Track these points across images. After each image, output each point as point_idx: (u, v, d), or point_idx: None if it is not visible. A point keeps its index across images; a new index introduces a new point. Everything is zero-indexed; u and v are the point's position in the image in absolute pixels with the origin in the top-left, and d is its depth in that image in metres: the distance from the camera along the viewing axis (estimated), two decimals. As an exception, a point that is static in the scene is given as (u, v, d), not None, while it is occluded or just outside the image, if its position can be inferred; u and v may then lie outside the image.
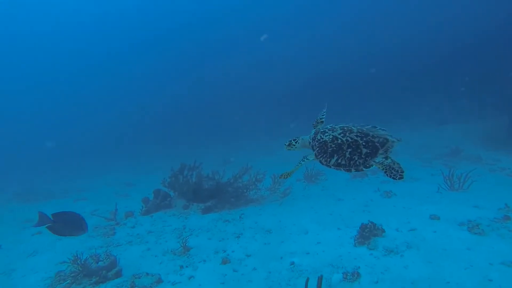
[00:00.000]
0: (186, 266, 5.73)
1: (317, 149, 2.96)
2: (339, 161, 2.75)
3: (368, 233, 5.93)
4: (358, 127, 2.85)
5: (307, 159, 3.18)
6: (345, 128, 2.87)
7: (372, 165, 2.69)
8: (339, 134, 2.82)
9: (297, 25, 37.89)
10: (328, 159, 2.82)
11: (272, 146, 22.18)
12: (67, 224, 4.44)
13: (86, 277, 5.43)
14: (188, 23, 40.80)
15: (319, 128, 3.15)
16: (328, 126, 3.05)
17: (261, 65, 39.68)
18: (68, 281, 5.38)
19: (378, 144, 2.66)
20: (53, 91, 48.15)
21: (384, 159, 2.65)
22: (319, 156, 2.94)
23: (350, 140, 2.74)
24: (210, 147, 27.75)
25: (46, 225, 4.44)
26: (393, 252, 5.40)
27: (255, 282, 5.03)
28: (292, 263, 5.44)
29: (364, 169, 2.68)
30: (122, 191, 14.98)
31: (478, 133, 17.91)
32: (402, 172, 2.60)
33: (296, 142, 3.34)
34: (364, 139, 2.70)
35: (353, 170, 2.70)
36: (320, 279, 3.46)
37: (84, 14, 41.00)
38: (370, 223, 6.03)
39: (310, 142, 3.14)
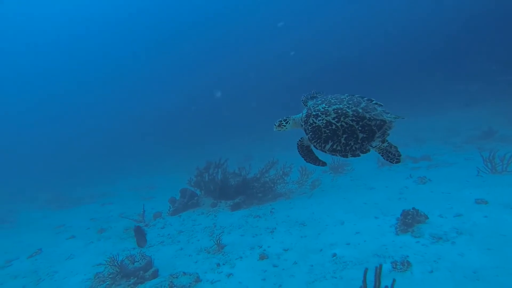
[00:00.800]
0: (223, 264, 5.57)
1: (310, 133, 2.81)
2: (334, 146, 2.64)
3: (411, 220, 5.60)
4: (353, 109, 2.65)
5: (303, 145, 3.02)
6: (339, 111, 2.66)
7: (369, 150, 2.58)
8: (333, 119, 2.65)
9: (314, 8, 36.92)
10: (323, 145, 2.70)
11: (289, 140, 21.90)
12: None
13: (124, 278, 5.37)
14: (201, 20, 40.43)
15: (310, 109, 2.90)
16: (321, 108, 2.79)
17: (272, 60, 39.29)
18: (107, 282, 5.34)
19: (375, 128, 2.53)
20: (69, 98, 49.31)
21: (381, 143, 2.57)
22: (313, 141, 2.80)
23: (345, 125, 2.59)
24: (227, 144, 27.74)
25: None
26: (442, 239, 5.05)
27: (298, 276, 4.82)
28: (334, 255, 5.19)
29: (361, 154, 2.57)
30: (146, 194, 15.09)
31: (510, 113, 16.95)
32: (399, 155, 2.60)
33: (286, 123, 3.17)
34: (360, 123, 2.56)
35: (349, 155, 2.60)
36: (379, 268, 3.19)
37: (101, 16, 41.42)
38: (412, 210, 5.70)
39: (302, 125, 2.96)
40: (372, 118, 2.56)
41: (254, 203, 9.22)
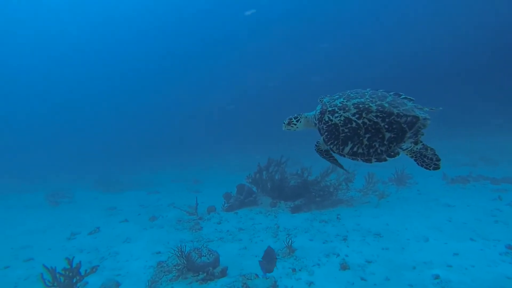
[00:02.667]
0: (299, 270, 4.98)
1: (326, 133, 2.39)
2: (355, 149, 2.24)
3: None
4: (378, 102, 2.25)
5: (321, 149, 2.59)
6: (361, 106, 2.25)
7: (398, 153, 2.15)
8: (353, 115, 2.24)
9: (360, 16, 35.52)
10: (341, 147, 2.29)
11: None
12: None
13: (190, 271, 4.95)
14: (269, 16, 40.10)
15: (326, 105, 2.47)
16: (338, 102, 2.39)
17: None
18: (173, 273, 4.95)
19: (405, 126, 2.10)
20: (122, 93, 51.70)
21: (413, 144, 2.15)
22: (329, 143, 2.38)
23: (368, 122, 2.18)
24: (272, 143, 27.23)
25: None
26: None
27: (397, 297, 4.09)
28: (437, 276, 4.38)
29: (388, 158, 2.16)
30: (192, 187, 14.95)
31: None
32: (438, 160, 2.16)
33: (297, 121, 2.75)
34: (387, 120, 2.14)
35: (373, 160, 2.19)
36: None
37: (168, 14, 42.75)
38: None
39: (316, 123, 2.54)
40: (401, 114, 2.12)
41: (312, 207, 8.56)
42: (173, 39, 43.37)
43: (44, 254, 6.88)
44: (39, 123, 47.09)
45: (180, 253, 4.94)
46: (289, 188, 8.95)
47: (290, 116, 2.77)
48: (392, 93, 2.42)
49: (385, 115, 2.15)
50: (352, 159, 2.27)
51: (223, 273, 4.90)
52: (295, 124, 2.74)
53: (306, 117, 2.72)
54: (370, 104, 2.24)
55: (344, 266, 4.89)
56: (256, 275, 4.77)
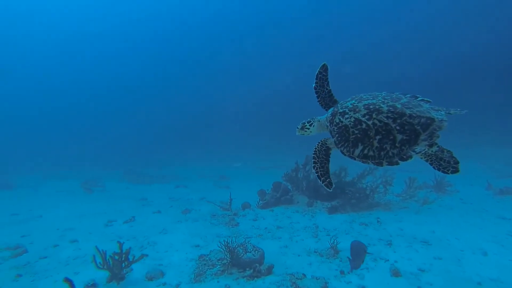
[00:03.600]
0: (348, 273, 4.76)
1: (337, 135, 2.34)
2: (366, 151, 2.16)
3: None
4: (390, 103, 2.15)
5: (325, 144, 2.53)
6: (372, 106, 2.18)
7: (411, 156, 2.05)
8: (363, 116, 2.17)
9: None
10: (351, 149, 2.23)
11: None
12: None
13: (234, 267, 4.84)
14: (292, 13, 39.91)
15: (337, 106, 2.44)
16: (349, 104, 2.33)
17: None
18: (218, 267, 4.85)
19: (418, 127, 2.01)
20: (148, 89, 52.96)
21: (427, 148, 2.03)
22: (339, 145, 2.33)
23: (378, 123, 2.10)
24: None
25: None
26: None
27: (462, 310, 3.81)
28: (507, 293, 4.05)
29: (400, 161, 2.06)
30: (220, 183, 14.95)
31: None
32: (457, 163, 2.00)
33: (310, 125, 2.70)
34: (398, 121, 2.05)
35: (385, 163, 2.10)
36: None
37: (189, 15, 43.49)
38: None
39: (327, 126, 2.50)
40: (414, 115, 2.03)
41: (348, 209, 8.29)
42: (202, 35, 43.87)
43: (86, 237, 7.02)
44: (74, 117, 49.17)
45: (226, 247, 4.82)
46: (323, 188, 8.71)
47: (303, 121, 2.73)
48: (408, 95, 2.31)
49: (396, 116, 2.06)
50: (363, 162, 2.20)
51: (269, 270, 4.76)
52: (308, 128, 2.69)
53: (319, 121, 2.66)
54: (381, 105, 2.15)
55: (395, 273, 4.63)
56: (304, 274, 4.61)
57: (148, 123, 47.91)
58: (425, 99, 2.26)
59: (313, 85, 2.63)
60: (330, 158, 2.54)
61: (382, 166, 2.13)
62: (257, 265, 4.71)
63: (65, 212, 9.49)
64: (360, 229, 6.75)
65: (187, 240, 6.55)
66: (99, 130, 44.97)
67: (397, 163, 2.07)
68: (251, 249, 4.97)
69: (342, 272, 4.77)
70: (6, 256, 5.91)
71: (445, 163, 2.03)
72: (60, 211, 9.59)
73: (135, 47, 47.49)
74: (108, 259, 4.60)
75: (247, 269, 4.70)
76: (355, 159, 2.26)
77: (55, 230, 7.63)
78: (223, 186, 14.05)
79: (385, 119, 2.08)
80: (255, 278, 4.58)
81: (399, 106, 2.12)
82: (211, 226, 7.52)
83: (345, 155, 2.30)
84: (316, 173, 2.49)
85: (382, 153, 2.10)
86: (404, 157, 2.05)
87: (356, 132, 2.18)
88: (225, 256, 4.91)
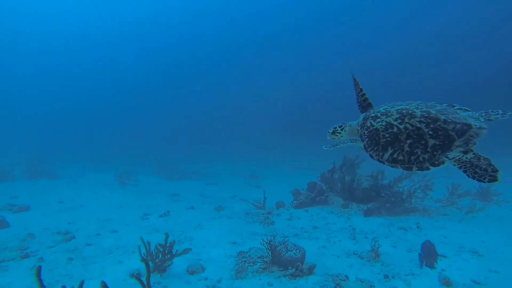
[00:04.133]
0: (392, 277, 4.61)
1: (367, 139, 2.32)
2: (395, 155, 2.12)
3: None
4: (424, 109, 2.11)
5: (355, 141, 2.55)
6: (404, 111, 2.15)
7: (443, 162, 1.96)
8: (395, 120, 2.15)
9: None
10: (381, 153, 2.19)
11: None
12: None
13: (275, 265, 4.82)
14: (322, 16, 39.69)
15: (369, 111, 2.46)
16: (382, 109, 2.34)
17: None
18: (259, 265, 4.85)
19: (453, 133, 1.95)
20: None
21: (462, 154, 1.94)
22: (369, 149, 2.29)
23: (410, 127, 2.07)
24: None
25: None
26: None
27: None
28: None
29: (431, 167, 1.98)
30: (251, 182, 15.00)
31: None
32: (496, 171, 1.84)
33: (342, 130, 2.71)
34: (432, 126, 2.00)
35: (415, 168, 2.04)
36: None
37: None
38: None
39: (358, 130, 2.51)
40: (449, 121, 1.98)
41: (383, 212, 8.05)
42: (237, 34, 44.26)
43: (124, 228, 7.27)
44: (109, 114, 51.55)
45: (268, 245, 4.81)
46: (360, 191, 8.53)
47: (335, 125, 2.73)
48: (444, 104, 2.27)
49: (430, 120, 2.02)
50: (392, 166, 2.15)
51: (311, 270, 4.70)
52: (340, 133, 2.69)
53: (351, 126, 2.66)
54: (415, 110, 2.12)
55: (446, 282, 4.42)
56: (346, 276, 4.52)
57: (180, 121, 49.12)
58: (463, 107, 2.21)
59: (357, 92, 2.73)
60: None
61: (411, 171, 2.07)
62: (299, 264, 4.66)
63: (103, 203, 9.87)
64: (399, 234, 6.53)
65: (223, 236, 6.60)
66: (135, 126, 46.74)
67: (428, 169, 2.00)
68: (292, 248, 4.93)
69: (386, 276, 4.62)
70: (58, 240, 6.28)
71: (481, 171, 1.91)
72: (98, 202, 10.00)
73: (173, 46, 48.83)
74: (153, 250, 4.73)
75: (289, 267, 4.66)
76: (384, 163, 2.21)
77: (96, 219, 7.95)
78: (253, 185, 14.09)
79: (418, 123, 2.04)
80: (297, 277, 4.53)
81: (433, 112, 2.08)
82: (246, 224, 7.55)
83: (373, 159, 2.27)
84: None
85: (412, 157, 2.04)
86: (436, 162, 1.98)
87: (387, 135, 2.15)
88: (267, 254, 4.90)
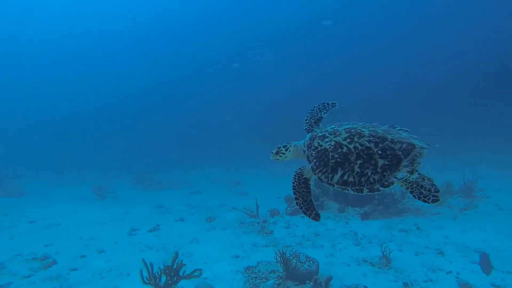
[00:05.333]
0: (411, 285, 4.47)
1: (315, 160, 2.22)
2: (346, 177, 2.04)
3: None
4: (371, 129, 2.13)
5: (302, 176, 2.39)
6: (353, 130, 2.14)
7: (393, 183, 1.96)
8: (344, 139, 2.11)
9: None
10: (330, 175, 2.11)
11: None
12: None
13: (289, 279, 4.52)
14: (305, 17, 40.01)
15: (316, 131, 2.42)
16: (329, 128, 2.31)
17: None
18: (272, 280, 4.52)
19: (400, 153, 1.96)
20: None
21: (408, 174, 1.94)
22: (317, 171, 2.19)
23: (360, 147, 2.03)
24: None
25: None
26: None
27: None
28: None
29: (381, 188, 1.97)
30: (236, 189, 14.57)
31: None
32: (437, 191, 1.94)
33: (286, 150, 2.63)
34: (380, 145, 1.99)
35: (365, 190, 2.00)
36: None
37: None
38: None
39: (305, 151, 2.43)
40: (396, 141, 1.99)
41: (377, 214, 8.01)
42: (213, 39, 43.67)
43: (112, 246, 6.68)
44: (77, 121, 48.52)
45: (281, 258, 4.50)
46: (353, 194, 8.45)
47: (279, 145, 2.65)
48: (387, 125, 2.28)
49: (378, 140, 2.00)
50: (342, 189, 2.08)
51: (327, 283, 4.45)
52: (284, 153, 2.61)
53: (296, 146, 2.58)
54: (363, 129, 2.11)
55: (466, 286, 4.33)
56: (365, 287, 4.30)
57: (152, 128, 47.37)
58: (404, 128, 2.21)
59: (313, 107, 2.77)
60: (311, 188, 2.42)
61: (362, 193, 2.02)
62: (317, 277, 4.39)
63: (83, 219, 9.08)
64: (401, 236, 6.46)
65: (224, 249, 6.21)
66: (102, 135, 44.38)
67: (378, 190, 1.96)
68: (305, 260, 4.65)
69: (405, 284, 4.47)
70: (35, 267, 5.55)
71: (426, 191, 1.94)
72: (77, 219, 9.18)
73: (145, 49, 47.03)
74: (156, 273, 4.26)
75: (306, 281, 4.38)
76: (333, 186, 2.14)
77: (78, 239, 7.24)
78: (239, 192, 13.69)
79: (367, 143, 2.00)
80: (317, 292, 4.26)
81: (380, 131, 2.07)
82: (243, 234, 7.19)
83: (323, 181, 2.16)
84: (300, 208, 2.33)
85: (363, 179, 1.98)
86: (386, 183, 1.95)
87: (336, 156, 2.06)
88: (279, 268, 4.59)
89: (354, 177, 2.00)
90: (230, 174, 19.12)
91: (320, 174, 2.16)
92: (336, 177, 2.06)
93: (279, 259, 4.52)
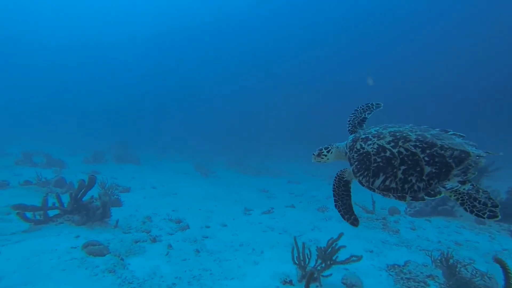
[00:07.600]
0: None
1: (356, 163, 2.08)
2: (387, 183, 1.86)
3: None
4: (418, 132, 1.92)
5: (342, 178, 2.26)
6: (398, 134, 1.95)
7: (440, 193, 1.71)
8: (388, 143, 1.93)
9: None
10: (371, 179, 1.94)
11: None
12: None
13: (452, 289, 3.87)
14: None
15: (359, 132, 2.26)
16: (373, 130, 2.14)
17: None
18: (434, 287, 3.95)
19: (451, 161, 1.73)
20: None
21: (459, 184, 1.69)
22: (358, 174, 2.04)
23: (404, 152, 1.84)
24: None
25: None
26: None
27: None
28: None
29: (426, 197, 1.75)
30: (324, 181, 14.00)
31: None
32: (496, 206, 1.62)
33: (328, 152, 2.47)
34: (428, 151, 1.79)
35: (408, 197, 1.81)
36: None
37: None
38: None
39: (346, 153, 2.27)
40: (446, 147, 1.78)
41: None
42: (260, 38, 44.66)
43: (233, 223, 6.84)
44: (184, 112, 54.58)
45: (446, 262, 3.90)
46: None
47: (321, 147, 2.53)
48: (438, 129, 2.06)
49: (426, 145, 1.82)
50: (383, 195, 1.92)
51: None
52: (326, 155, 2.49)
53: (338, 148, 2.47)
54: (409, 133, 1.94)
55: None
56: None
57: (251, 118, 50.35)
58: (458, 133, 2.01)
59: (357, 107, 2.65)
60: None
61: (405, 201, 1.85)
62: (489, 292, 3.67)
63: (195, 192, 9.70)
64: None
65: (352, 243, 5.74)
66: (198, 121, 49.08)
67: (422, 199, 1.79)
68: (476, 273, 3.94)
69: None
70: (174, 227, 6.02)
71: (480, 205, 1.66)
72: (189, 191, 9.85)
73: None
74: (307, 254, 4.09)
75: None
76: (374, 191, 1.99)
77: (197, 210, 7.66)
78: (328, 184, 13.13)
79: (413, 148, 1.85)
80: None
81: (428, 136, 1.90)
82: (365, 229, 6.67)
83: (363, 185, 2.05)
84: (338, 211, 2.23)
85: (406, 186, 1.82)
86: (432, 192, 1.75)
87: (379, 160, 1.94)
88: (437, 273, 3.99)
89: (396, 183, 1.85)
90: (321, 170, 18.57)
91: (361, 178, 2.05)
92: (378, 182, 1.94)
93: (441, 263, 3.91)
